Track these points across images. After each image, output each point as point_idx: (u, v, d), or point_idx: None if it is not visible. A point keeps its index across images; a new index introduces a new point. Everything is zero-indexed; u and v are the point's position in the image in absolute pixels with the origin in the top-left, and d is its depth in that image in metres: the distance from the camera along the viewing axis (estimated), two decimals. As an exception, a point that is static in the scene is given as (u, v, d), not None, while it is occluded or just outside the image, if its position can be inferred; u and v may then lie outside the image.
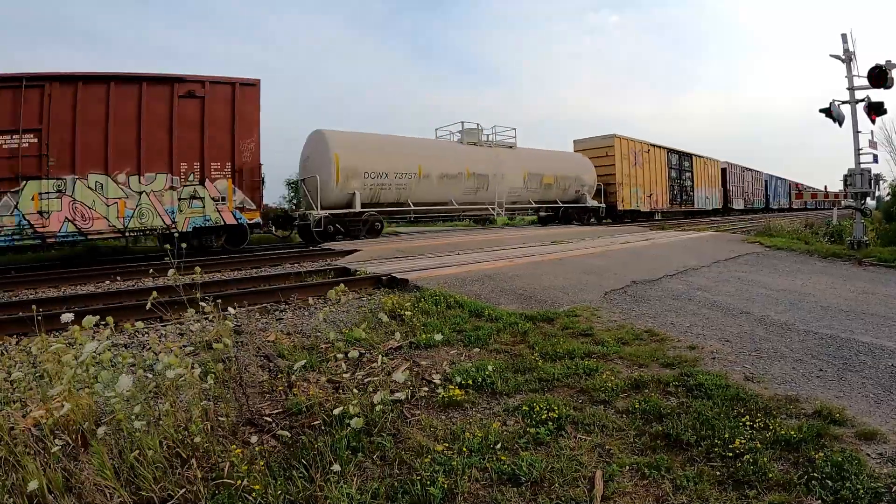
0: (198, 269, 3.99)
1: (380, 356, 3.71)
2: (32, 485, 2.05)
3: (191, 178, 11.59)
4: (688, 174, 29.58)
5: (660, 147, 26.74)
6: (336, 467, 2.41)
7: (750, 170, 40.34)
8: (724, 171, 34.77)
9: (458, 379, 3.53)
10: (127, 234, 11.10)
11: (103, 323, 3.08)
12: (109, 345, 2.72)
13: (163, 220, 11.20)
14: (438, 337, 4.03)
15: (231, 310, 3.37)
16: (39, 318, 3.55)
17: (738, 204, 36.60)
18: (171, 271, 3.58)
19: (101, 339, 2.89)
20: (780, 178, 50.01)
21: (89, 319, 2.82)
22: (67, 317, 2.81)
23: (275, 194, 41.88)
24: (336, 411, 2.82)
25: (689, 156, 29.86)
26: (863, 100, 11.39)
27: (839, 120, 11.68)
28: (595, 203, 21.98)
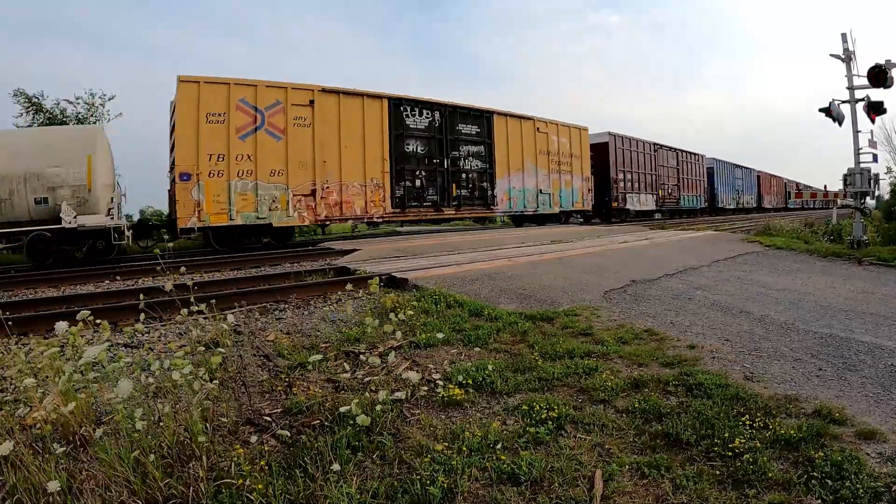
0: (183, 269, 3.97)
1: (382, 355, 3.71)
2: (53, 486, 2.05)
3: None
4: (475, 150, 16.85)
5: (365, 96, 14.24)
6: (336, 467, 2.41)
7: (671, 149, 28.20)
8: (600, 147, 22.65)
9: (458, 378, 3.54)
10: None
11: (113, 324, 3.08)
12: (116, 344, 2.72)
13: None
14: (439, 336, 4.04)
15: (231, 317, 3.36)
16: (41, 319, 3.54)
17: (637, 202, 24.83)
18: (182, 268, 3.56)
19: (99, 340, 2.89)
20: (740, 167, 38.36)
21: (73, 330, 2.82)
22: (61, 326, 2.80)
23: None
24: (342, 409, 2.82)
25: (480, 115, 17.08)
26: (862, 99, 11.41)
27: (839, 119, 11.70)
28: (92, 221, 10.67)
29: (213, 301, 3.86)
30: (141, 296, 3.52)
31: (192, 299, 3.35)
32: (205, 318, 3.58)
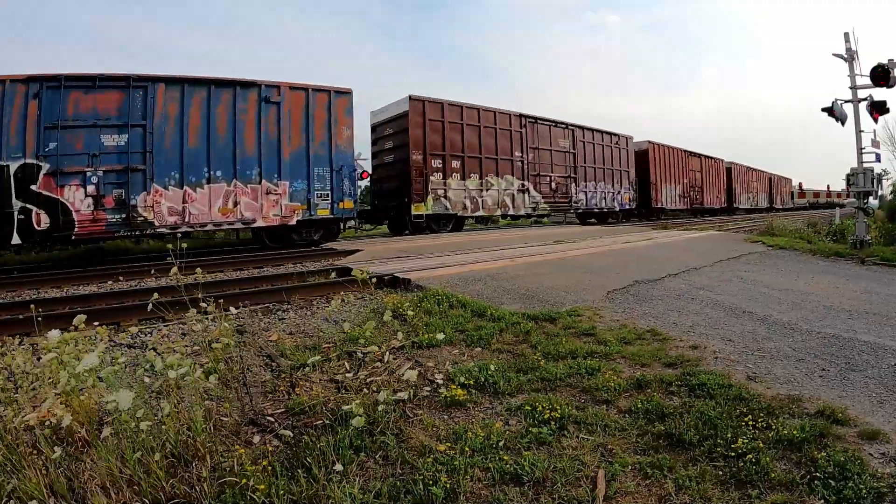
0: (198, 269, 3.99)
1: (384, 355, 3.71)
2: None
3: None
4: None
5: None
6: (339, 467, 2.42)
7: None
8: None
9: (461, 378, 3.54)
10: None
11: (113, 326, 3.08)
12: (104, 349, 2.72)
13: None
14: (441, 336, 4.04)
15: (233, 309, 3.37)
16: (44, 319, 3.55)
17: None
18: (173, 270, 3.53)
19: (102, 341, 2.90)
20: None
21: (66, 336, 2.83)
22: (54, 334, 2.81)
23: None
24: (344, 408, 2.83)
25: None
26: (865, 99, 11.37)
27: (842, 119, 11.65)
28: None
29: (221, 301, 3.86)
30: (156, 295, 3.48)
31: (193, 297, 3.35)
32: (210, 319, 3.58)
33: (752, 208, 38.22)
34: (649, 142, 26.08)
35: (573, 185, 20.92)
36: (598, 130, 22.44)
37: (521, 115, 18.64)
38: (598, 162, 22.29)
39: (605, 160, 22.70)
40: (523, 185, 18.53)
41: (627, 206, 24.04)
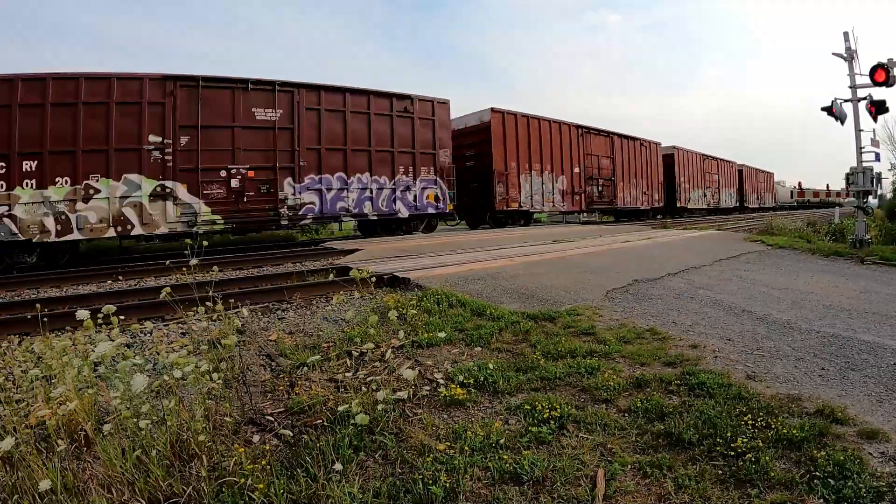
0: (215, 268, 4.01)
1: (384, 354, 3.72)
2: (44, 484, 2.05)
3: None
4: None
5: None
6: (338, 466, 2.41)
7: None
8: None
9: (460, 378, 3.54)
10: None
11: (119, 320, 3.07)
12: (120, 344, 2.73)
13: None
14: (441, 336, 4.04)
15: (245, 311, 3.37)
16: (45, 318, 3.54)
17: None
18: (193, 263, 3.49)
19: (113, 337, 2.90)
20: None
21: (89, 323, 2.83)
22: (83, 314, 2.80)
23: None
24: (341, 408, 2.83)
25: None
26: (865, 98, 11.38)
27: (841, 118, 11.67)
28: None
29: (217, 301, 3.86)
30: (166, 289, 3.42)
31: (197, 295, 3.35)
32: (211, 319, 3.58)
33: (711, 208, 30.40)
34: (493, 109, 17.18)
35: (288, 180, 12.97)
36: (354, 91, 14.11)
37: (165, 78, 11.50)
38: (358, 142, 14.04)
39: (377, 140, 14.36)
40: (164, 188, 11.38)
41: (433, 210, 15.71)
